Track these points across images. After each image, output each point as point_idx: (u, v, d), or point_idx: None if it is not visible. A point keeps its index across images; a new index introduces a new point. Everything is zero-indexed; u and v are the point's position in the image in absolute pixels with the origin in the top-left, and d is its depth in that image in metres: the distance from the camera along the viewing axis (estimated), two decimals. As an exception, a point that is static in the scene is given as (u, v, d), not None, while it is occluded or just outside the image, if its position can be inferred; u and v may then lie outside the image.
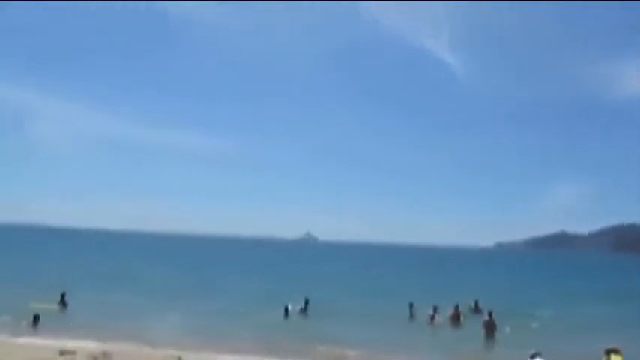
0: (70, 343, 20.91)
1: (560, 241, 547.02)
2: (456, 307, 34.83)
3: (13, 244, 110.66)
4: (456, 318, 33.96)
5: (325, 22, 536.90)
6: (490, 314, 30.30)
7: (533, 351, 18.96)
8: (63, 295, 33.82)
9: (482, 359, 24.67)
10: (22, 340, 22.59)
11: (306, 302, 36.11)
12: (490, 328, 29.84)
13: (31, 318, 27.59)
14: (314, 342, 25.34)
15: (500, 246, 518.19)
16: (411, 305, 35.69)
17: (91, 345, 20.00)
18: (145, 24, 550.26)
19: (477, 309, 37.05)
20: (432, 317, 33.94)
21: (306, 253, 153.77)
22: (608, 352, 17.91)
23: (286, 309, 33.97)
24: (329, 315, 34.18)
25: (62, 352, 18.41)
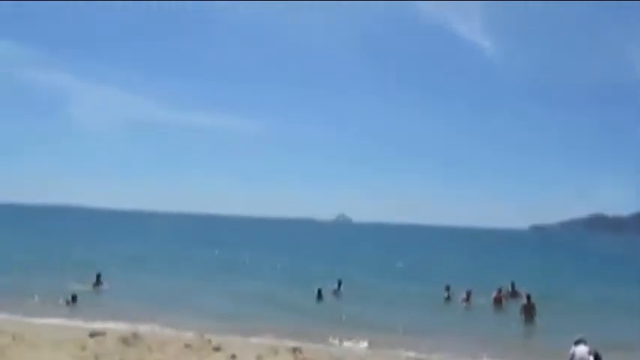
0: (100, 325, 20.69)
1: (598, 223, 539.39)
2: (499, 290, 33.99)
3: (46, 225, 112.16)
4: (498, 301, 33.08)
5: (354, 3, 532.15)
6: (529, 298, 29.43)
7: (578, 337, 18.17)
8: (98, 276, 33.82)
9: (522, 345, 23.64)
10: (53, 321, 22.40)
11: (340, 284, 35.58)
12: (529, 312, 28.94)
13: (70, 297, 27.76)
14: (347, 326, 24.87)
15: (536, 228, 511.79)
16: (447, 288, 34.92)
17: (122, 326, 19.66)
18: (174, 8, 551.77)
19: (514, 292, 36.04)
20: (466, 299, 33.46)
21: (339, 235, 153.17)
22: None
23: (319, 291, 33.26)
24: (363, 298, 33.65)
25: (92, 334, 18.11)
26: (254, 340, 20.02)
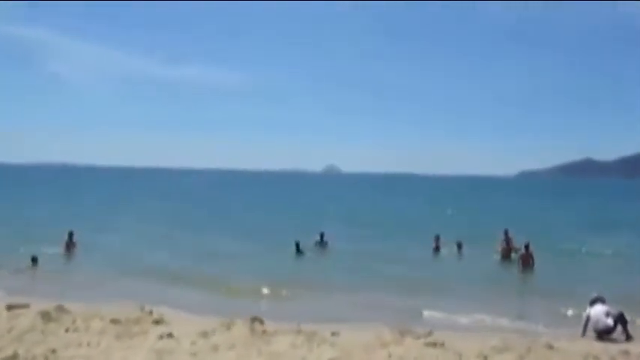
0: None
1: (585, 168, 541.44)
2: (507, 239, 30.73)
3: (34, 183, 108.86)
4: (507, 252, 28.87)
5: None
6: (527, 247, 26.63)
7: (593, 295, 15.32)
8: (70, 235, 29.35)
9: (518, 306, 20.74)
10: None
11: (322, 236, 32.15)
12: (527, 262, 26.38)
13: (29, 261, 24.85)
14: (325, 285, 22.02)
15: (523, 175, 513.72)
16: (436, 238, 31.97)
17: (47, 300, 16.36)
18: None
19: (507, 240, 33.34)
20: (458, 248, 31.43)
21: (327, 187, 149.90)
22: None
23: (297, 245, 29.93)
24: (348, 252, 30.41)
25: (10, 307, 15.03)
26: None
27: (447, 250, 31.32)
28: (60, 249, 28.73)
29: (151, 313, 14.69)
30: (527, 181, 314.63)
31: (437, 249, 31.54)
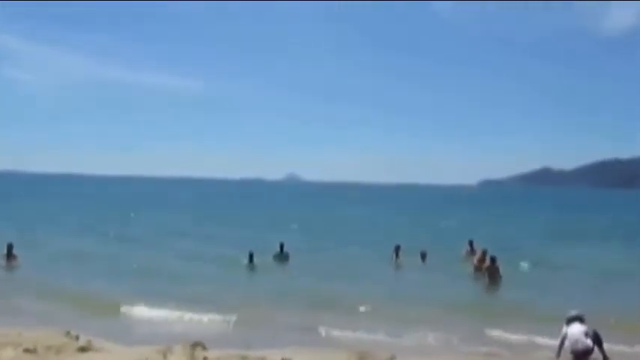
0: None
1: (545, 177, 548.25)
2: (472, 250, 29.94)
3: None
4: (479, 266, 26.44)
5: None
6: (493, 260, 25.33)
7: (571, 313, 13.95)
8: (9, 248, 27.15)
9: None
10: None
11: (282, 247, 30.06)
12: (493, 274, 24.96)
13: None
14: (282, 300, 20.49)
15: (484, 183, 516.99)
16: (397, 248, 30.58)
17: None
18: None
19: (472, 251, 32.08)
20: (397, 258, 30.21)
21: (286, 194, 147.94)
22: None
23: (250, 257, 27.91)
24: (306, 266, 28.56)
25: None
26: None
27: (410, 260, 29.80)
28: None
29: (77, 338, 12.94)
30: (490, 190, 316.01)
31: (397, 258, 30.18)
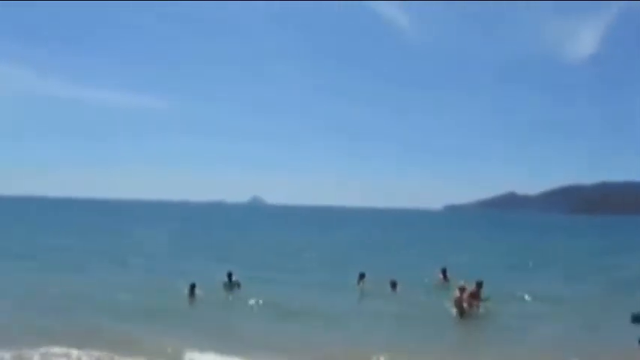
0: None
1: (510, 202, 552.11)
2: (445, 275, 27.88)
3: None
4: (461, 303, 21.99)
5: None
6: (480, 285, 22.33)
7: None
8: None
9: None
10: None
11: (230, 276, 26.34)
12: (461, 307, 21.65)
13: None
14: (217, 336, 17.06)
15: (449, 208, 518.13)
16: (361, 276, 27.39)
17: None
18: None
19: (445, 279, 29.11)
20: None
21: (247, 219, 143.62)
22: None
23: (192, 287, 24.44)
24: (258, 297, 24.39)
25: None
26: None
27: (378, 289, 26.46)
28: None
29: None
30: (455, 214, 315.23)
31: (362, 287, 26.98)
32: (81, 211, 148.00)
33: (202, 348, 15.70)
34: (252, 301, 23.41)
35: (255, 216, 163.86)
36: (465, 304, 21.70)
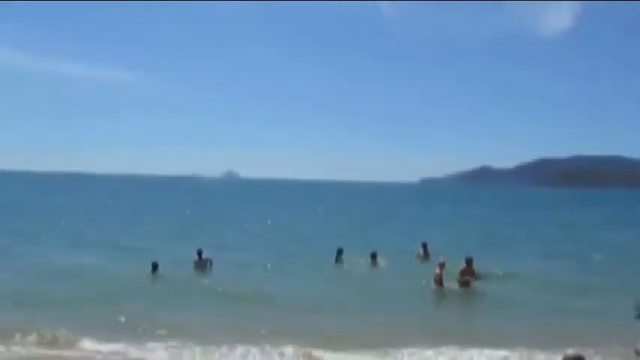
0: None
1: (484, 175, 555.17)
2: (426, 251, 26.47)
3: None
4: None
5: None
6: (470, 262, 21.19)
7: (570, 353, 9.66)
8: None
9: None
10: None
11: (200, 254, 24.98)
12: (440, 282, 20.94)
13: None
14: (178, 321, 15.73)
15: (425, 181, 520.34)
16: (339, 251, 26.33)
17: None
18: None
19: (425, 254, 28.17)
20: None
21: (222, 192, 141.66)
22: None
23: (154, 266, 22.98)
24: (231, 275, 23.82)
25: None
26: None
27: (358, 264, 25.68)
28: None
29: None
30: (430, 188, 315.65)
31: (340, 262, 26.03)
32: (41, 186, 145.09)
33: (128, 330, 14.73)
34: (210, 281, 22.18)
35: (229, 190, 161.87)
36: (444, 280, 20.97)
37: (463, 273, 21.00)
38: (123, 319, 15.72)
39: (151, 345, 13.60)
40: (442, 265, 21.16)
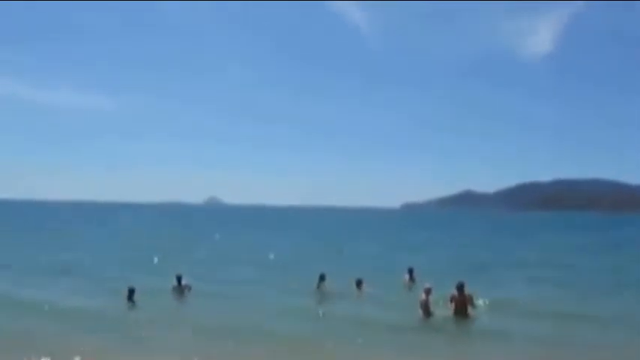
0: None
1: (466, 200, 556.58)
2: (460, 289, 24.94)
3: None
4: (461, 306, 20.04)
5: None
6: (461, 288, 20.05)
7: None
8: None
9: None
10: None
11: (179, 280, 24.52)
12: (461, 306, 19.85)
13: None
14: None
15: (407, 207, 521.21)
16: (321, 277, 25.51)
17: None
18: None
19: (411, 279, 27.78)
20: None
21: (203, 219, 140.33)
22: None
23: (130, 292, 22.23)
24: (209, 302, 22.96)
25: None
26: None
27: (341, 290, 24.82)
28: None
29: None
30: (412, 213, 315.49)
31: (322, 288, 25.23)
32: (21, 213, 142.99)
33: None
34: (191, 311, 21.34)
35: (211, 217, 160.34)
36: (430, 307, 20.09)
37: (455, 301, 20.01)
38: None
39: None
40: (428, 291, 20.34)
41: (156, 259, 36.95)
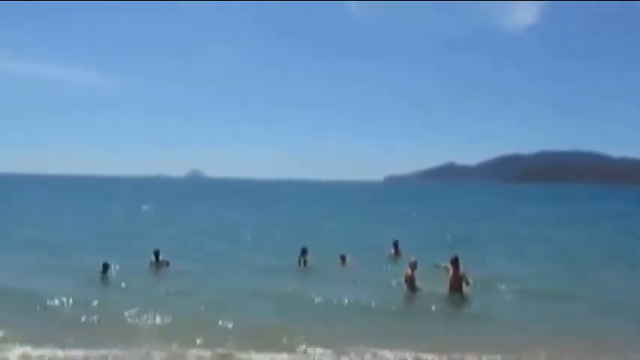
0: None
1: (449, 172, 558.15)
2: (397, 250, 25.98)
3: None
4: (411, 280, 19.65)
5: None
6: (456, 261, 19.00)
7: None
8: None
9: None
10: None
11: (157, 255, 23.83)
12: (456, 284, 18.91)
13: None
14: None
15: (390, 179, 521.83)
16: (303, 251, 24.58)
17: None
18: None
19: (397, 253, 27.19)
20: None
21: (186, 192, 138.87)
22: None
23: (105, 267, 21.41)
24: (187, 277, 22.06)
25: None
26: None
27: (325, 265, 24.10)
28: None
29: None
30: (395, 186, 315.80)
31: (304, 264, 24.38)
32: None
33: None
34: (165, 288, 20.27)
35: (194, 190, 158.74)
36: (416, 281, 19.49)
37: (450, 277, 19.02)
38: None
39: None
40: (414, 265, 19.64)
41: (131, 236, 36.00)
